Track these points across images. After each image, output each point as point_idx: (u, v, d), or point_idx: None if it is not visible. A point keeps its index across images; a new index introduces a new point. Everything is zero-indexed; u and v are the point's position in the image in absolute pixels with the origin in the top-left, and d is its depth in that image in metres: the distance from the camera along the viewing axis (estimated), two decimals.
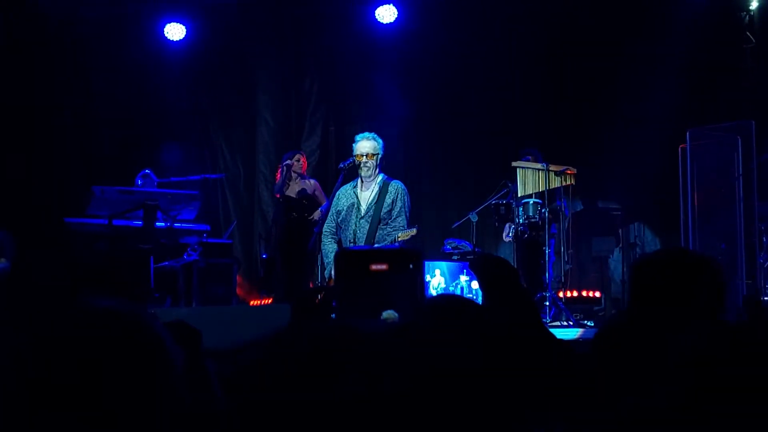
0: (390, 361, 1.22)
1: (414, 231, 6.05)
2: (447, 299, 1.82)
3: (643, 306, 2.26)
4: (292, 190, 7.86)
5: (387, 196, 6.23)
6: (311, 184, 7.92)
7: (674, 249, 2.76)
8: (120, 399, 1.25)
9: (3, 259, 7.09)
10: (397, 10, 9.17)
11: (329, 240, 6.33)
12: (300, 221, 7.74)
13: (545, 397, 1.86)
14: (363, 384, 1.21)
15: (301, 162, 7.93)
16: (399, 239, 6.05)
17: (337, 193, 6.36)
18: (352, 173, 6.42)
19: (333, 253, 6.29)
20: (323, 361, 1.24)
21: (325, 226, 6.33)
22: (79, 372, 1.24)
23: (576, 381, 2.07)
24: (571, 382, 2.04)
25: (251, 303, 8.36)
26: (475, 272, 2.48)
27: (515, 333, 2.22)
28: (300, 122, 9.62)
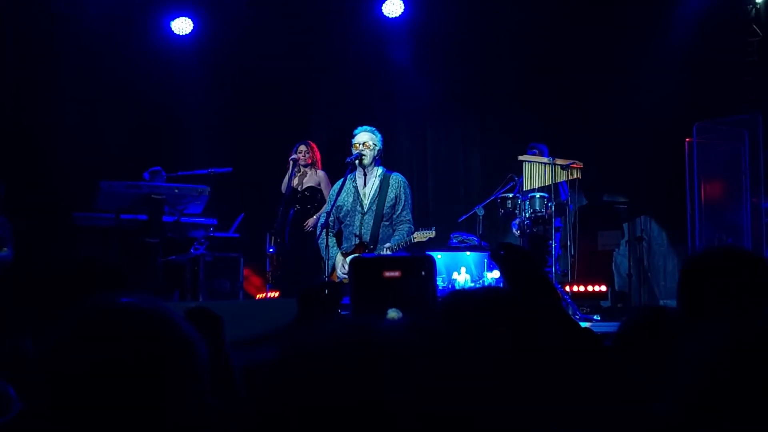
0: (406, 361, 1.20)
1: (432, 233, 6.05)
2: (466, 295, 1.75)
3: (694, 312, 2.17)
4: (299, 183, 7.83)
5: (390, 190, 6.23)
6: (320, 176, 7.85)
7: (731, 248, 2.60)
8: (145, 397, 1.23)
9: (5, 249, 7.11)
10: (404, 4, 9.17)
11: (329, 234, 6.33)
12: (303, 215, 7.72)
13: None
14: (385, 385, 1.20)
15: (309, 154, 7.85)
16: (415, 240, 6.05)
17: (336, 188, 6.36)
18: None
19: (333, 248, 6.30)
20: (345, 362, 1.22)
21: (322, 220, 6.34)
22: (102, 371, 1.22)
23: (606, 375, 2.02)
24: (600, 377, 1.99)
25: (257, 297, 8.38)
26: (497, 262, 2.47)
27: (541, 322, 2.21)
28: (307, 116, 9.63)
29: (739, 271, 2.17)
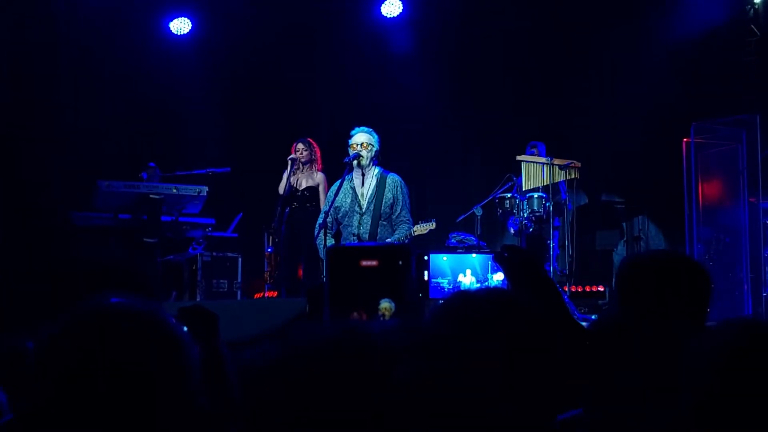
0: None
1: (432, 225, 6.07)
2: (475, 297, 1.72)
3: (634, 309, 2.21)
4: (298, 183, 7.77)
5: (387, 191, 6.25)
6: (318, 178, 7.77)
7: (664, 252, 2.69)
8: (131, 398, 1.22)
9: None
10: (402, 4, 9.18)
11: (327, 235, 6.33)
12: (301, 213, 7.67)
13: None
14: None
15: (307, 151, 7.76)
16: (416, 233, 6.06)
17: (333, 189, 6.37)
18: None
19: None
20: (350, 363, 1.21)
21: (320, 220, 6.34)
22: (88, 371, 1.22)
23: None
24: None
25: (255, 297, 8.37)
26: (501, 264, 2.48)
27: (544, 323, 2.21)
28: (305, 116, 9.63)
29: (677, 275, 2.22)
